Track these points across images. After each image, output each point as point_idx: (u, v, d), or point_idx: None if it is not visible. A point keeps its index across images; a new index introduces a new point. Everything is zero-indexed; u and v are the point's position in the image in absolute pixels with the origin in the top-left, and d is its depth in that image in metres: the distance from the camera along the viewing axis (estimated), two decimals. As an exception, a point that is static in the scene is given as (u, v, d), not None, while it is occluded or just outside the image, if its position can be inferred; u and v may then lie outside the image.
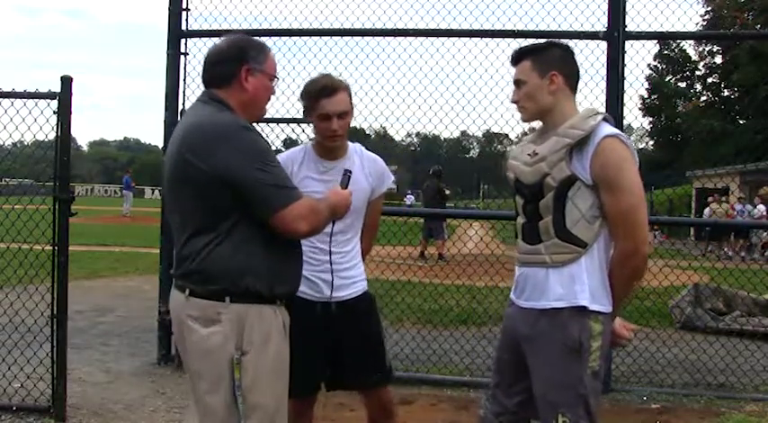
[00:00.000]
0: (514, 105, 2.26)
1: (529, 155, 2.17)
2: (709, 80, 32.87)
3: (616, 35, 4.33)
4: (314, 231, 2.13)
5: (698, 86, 33.53)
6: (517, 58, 2.22)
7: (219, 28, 4.81)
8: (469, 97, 4.67)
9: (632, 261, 2.06)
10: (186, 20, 4.88)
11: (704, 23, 28.30)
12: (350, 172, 2.38)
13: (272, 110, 2.32)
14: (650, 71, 31.39)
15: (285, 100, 4.86)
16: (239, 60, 2.10)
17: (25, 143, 4.30)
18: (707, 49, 30.97)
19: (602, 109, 2.98)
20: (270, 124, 4.78)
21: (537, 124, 2.29)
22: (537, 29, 4.43)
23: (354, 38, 4.75)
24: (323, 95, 2.48)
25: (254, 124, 2.18)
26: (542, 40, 2.32)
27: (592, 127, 2.06)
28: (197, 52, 4.87)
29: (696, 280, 7.44)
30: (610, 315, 2.12)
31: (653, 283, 5.67)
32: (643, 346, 5.01)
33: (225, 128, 2.01)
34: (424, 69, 4.78)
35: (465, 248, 8.48)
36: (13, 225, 3.99)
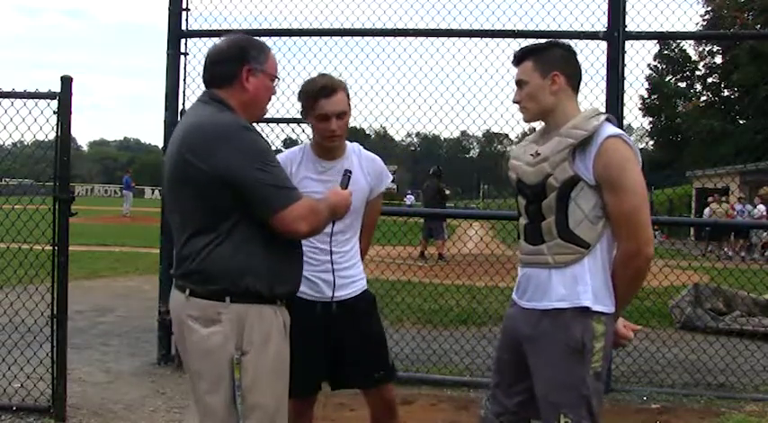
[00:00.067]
0: (514, 105, 2.25)
1: (531, 155, 2.16)
2: (710, 80, 32.88)
3: (616, 35, 4.33)
4: (314, 232, 2.13)
5: (698, 86, 33.54)
6: (519, 58, 2.21)
7: (219, 28, 4.81)
8: (469, 97, 4.68)
9: (635, 262, 2.06)
10: (186, 20, 4.87)
11: (704, 23, 28.32)
12: (350, 172, 2.38)
13: (272, 110, 2.32)
14: (650, 71, 31.44)
15: (285, 100, 4.87)
16: (240, 60, 2.09)
17: (25, 143, 4.31)
18: (707, 49, 30.98)
19: (603, 109, 2.99)
20: (270, 124, 4.78)
21: (538, 124, 2.29)
22: (537, 29, 4.43)
23: (354, 38, 4.75)
24: (321, 96, 2.47)
25: (254, 124, 2.17)
26: (544, 40, 2.31)
27: (595, 127, 2.06)
28: (197, 52, 4.89)
29: (696, 280, 7.44)
30: (612, 316, 2.11)
31: (653, 283, 5.66)
32: (643, 346, 5.01)
33: (225, 128, 2.01)
34: (424, 69, 4.78)
35: (465, 248, 8.49)
36: (13, 225, 3.99)
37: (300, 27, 4.79)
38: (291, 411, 2.29)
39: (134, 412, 3.89)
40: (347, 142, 2.64)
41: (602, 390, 2.15)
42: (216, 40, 2.24)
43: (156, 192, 46.00)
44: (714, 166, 23.00)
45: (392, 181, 2.93)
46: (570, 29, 4.46)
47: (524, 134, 2.60)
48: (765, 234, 15.88)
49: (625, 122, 4.53)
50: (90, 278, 8.89)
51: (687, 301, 6.69)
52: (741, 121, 29.84)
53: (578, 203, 2.06)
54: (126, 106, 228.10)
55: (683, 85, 33.68)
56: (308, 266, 2.38)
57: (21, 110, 3.74)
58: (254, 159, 1.98)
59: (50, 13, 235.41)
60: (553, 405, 2.08)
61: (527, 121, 2.28)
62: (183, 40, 4.88)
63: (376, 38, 4.72)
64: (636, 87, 25.28)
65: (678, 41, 25.95)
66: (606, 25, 4.38)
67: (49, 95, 3.68)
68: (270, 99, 2.20)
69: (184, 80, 4.88)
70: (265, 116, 2.33)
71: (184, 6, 4.87)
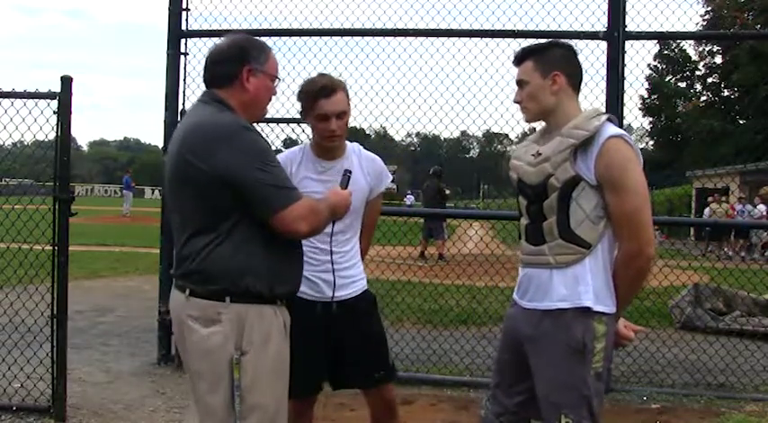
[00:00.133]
0: (515, 105, 2.25)
1: (533, 155, 2.16)
2: (710, 80, 32.88)
3: (616, 35, 4.33)
4: (314, 232, 2.13)
5: (698, 86, 33.55)
6: (519, 58, 2.21)
7: (219, 28, 4.81)
8: (469, 97, 4.68)
9: (636, 262, 2.05)
10: (186, 20, 4.87)
11: (704, 23, 28.31)
12: (350, 172, 2.38)
13: (272, 110, 2.31)
14: (650, 71, 31.45)
15: (285, 100, 4.86)
16: (240, 60, 2.09)
17: (25, 143, 4.30)
18: (707, 49, 30.99)
19: (603, 109, 2.98)
20: (270, 124, 4.78)
21: (538, 124, 2.29)
22: (537, 29, 4.43)
23: (354, 38, 4.75)
24: (321, 96, 2.47)
25: (254, 124, 2.17)
26: (544, 40, 2.31)
27: (596, 127, 2.05)
28: (197, 52, 4.88)
29: (696, 280, 7.43)
30: (614, 316, 2.11)
31: (653, 283, 5.67)
32: (643, 346, 5.01)
33: (225, 128, 2.01)
34: (424, 69, 4.78)
35: (465, 248, 8.49)
36: (13, 225, 3.99)
37: (300, 27, 4.79)
38: (291, 411, 2.29)
39: (134, 412, 3.89)
40: (347, 142, 2.63)
41: (603, 390, 2.14)
42: (216, 40, 2.24)
43: (156, 192, 45.99)
44: (714, 166, 23.01)
45: (392, 181, 2.93)
46: (570, 29, 4.46)
47: (525, 134, 2.60)
48: (765, 234, 15.88)
49: (625, 122, 4.53)
50: (90, 278, 8.89)
51: (687, 301, 6.69)
52: (741, 121, 29.85)
53: (580, 204, 2.06)
54: (126, 106, 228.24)
55: (683, 85, 33.69)
56: (309, 266, 2.37)
57: (21, 110, 3.75)
58: (255, 159, 1.98)
59: (50, 13, 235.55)
60: (554, 405, 2.08)
61: (528, 121, 2.27)
62: (183, 40, 4.88)
63: (376, 38, 4.72)
64: (636, 87, 25.36)
65: (678, 41, 25.98)
66: (606, 25, 4.38)
67: (49, 95, 3.68)
68: (270, 99, 2.20)
69: (184, 80, 4.88)
70: (265, 116, 2.33)
71: (184, 6, 4.87)
